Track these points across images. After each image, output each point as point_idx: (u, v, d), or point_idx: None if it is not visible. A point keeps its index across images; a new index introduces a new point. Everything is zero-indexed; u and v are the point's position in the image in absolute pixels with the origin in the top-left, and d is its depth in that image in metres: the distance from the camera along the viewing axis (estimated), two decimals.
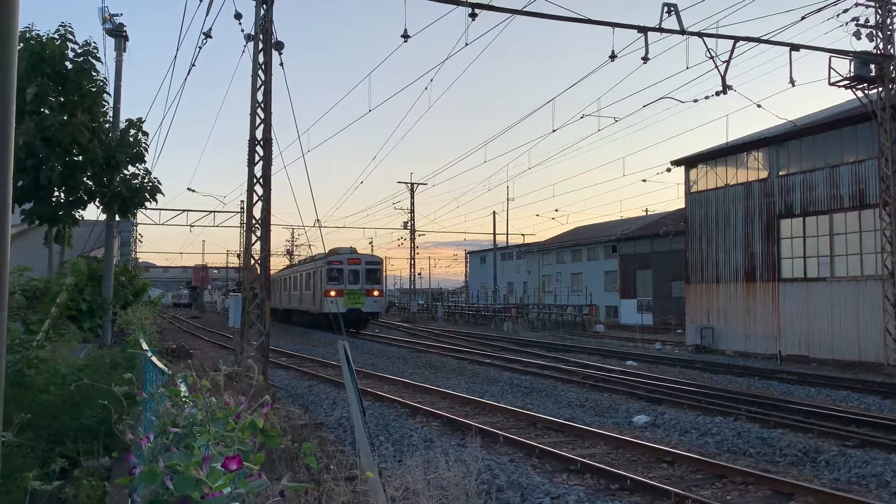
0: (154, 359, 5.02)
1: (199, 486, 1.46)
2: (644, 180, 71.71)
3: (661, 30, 17.28)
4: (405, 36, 16.60)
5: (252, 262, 16.66)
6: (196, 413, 1.92)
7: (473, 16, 16.12)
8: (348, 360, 6.70)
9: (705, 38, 17.88)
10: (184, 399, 2.15)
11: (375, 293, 36.60)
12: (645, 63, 17.39)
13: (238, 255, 62.62)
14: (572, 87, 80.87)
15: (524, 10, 16.39)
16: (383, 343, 29.56)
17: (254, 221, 16.28)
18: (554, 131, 42.54)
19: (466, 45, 16.61)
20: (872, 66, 20.51)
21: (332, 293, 34.44)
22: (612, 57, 17.57)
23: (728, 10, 65.69)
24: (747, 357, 24.40)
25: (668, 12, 17.37)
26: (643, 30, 17.21)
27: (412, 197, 49.27)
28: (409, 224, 51.20)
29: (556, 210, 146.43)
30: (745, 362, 22.79)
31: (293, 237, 73.61)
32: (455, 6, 16.30)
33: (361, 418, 6.65)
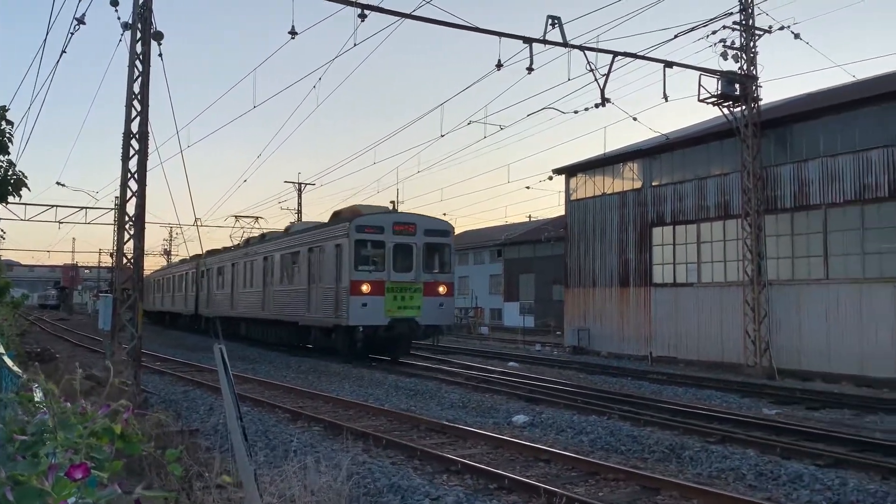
0: (7, 361, 4.67)
1: (42, 497, 1.37)
2: (528, 187, 73.90)
3: (545, 42, 17.80)
4: (293, 33, 16.32)
5: (125, 261, 15.85)
6: (47, 419, 1.80)
7: (363, 16, 16.04)
8: (225, 365, 6.48)
9: (586, 52, 18.57)
10: (37, 405, 2.02)
11: (442, 289, 21.96)
12: (530, 73, 17.85)
13: (111, 254, 59.55)
14: (460, 93, 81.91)
15: (413, 13, 16.48)
16: (261, 348, 28.87)
17: (127, 219, 15.50)
18: (442, 136, 43.05)
19: (355, 45, 16.49)
20: (737, 86, 21.94)
21: (366, 289, 20.46)
22: (499, 66, 17.93)
23: (608, 25, 68.62)
24: (621, 358, 25.50)
25: (553, 25, 17.92)
26: (528, 41, 17.67)
27: (299, 197, 48.32)
28: (262, 235, 50.45)
29: (445, 214, 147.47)
30: (619, 363, 23.81)
31: (171, 236, 70.59)
32: (344, 6, 16.17)
33: (238, 424, 6.45)
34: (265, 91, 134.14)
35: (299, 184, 47.78)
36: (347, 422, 11.93)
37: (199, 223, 39.12)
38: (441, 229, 22.57)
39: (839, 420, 13.46)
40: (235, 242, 39.87)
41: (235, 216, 44.34)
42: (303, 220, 45.27)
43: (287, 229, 28.04)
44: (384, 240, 21.31)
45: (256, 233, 39.36)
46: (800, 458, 9.48)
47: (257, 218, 44.85)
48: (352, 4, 15.99)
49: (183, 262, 45.63)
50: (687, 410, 13.53)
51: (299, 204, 48.58)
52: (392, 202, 23.37)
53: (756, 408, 14.80)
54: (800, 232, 21.74)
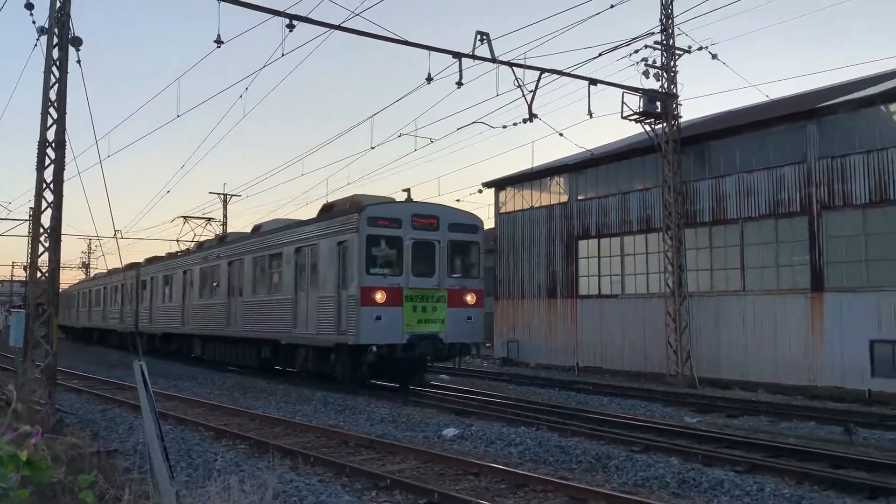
0: None
1: None
2: (458, 200, 74.31)
3: (473, 57, 17.98)
4: (218, 41, 15.99)
5: (39, 274, 15.17)
6: None
7: (291, 27, 15.87)
8: (145, 382, 6.27)
9: (514, 68, 18.85)
10: None
11: (469, 298, 18.03)
12: (459, 87, 17.99)
13: (25, 268, 56.78)
14: (391, 105, 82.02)
15: (342, 25, 16.42)
16: (189, 365, 28.05)
17: (42, 230, 14.85)
18: (373, 148, 42.91)
19: (283, 55, 16.30)
20: (658, 104, 22.67)
21: (380, 297, 16.71)
22: (429, 79, 18.01)
23: (536, 42, 70.11)
24: (549, 369, 25.86)
25: (482, 40, 18.12)
26: (457, 55, 17.82)
27: (225, 208, 47.32)
28: (221, 237, 49.11)
29: None
30: (547, 374, 24.14)
31: (90, 249, 68.03)
32: (272, 15, 15.98)
33: (159, 443, 6.23)
34: (190, 100, 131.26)
35: (225, 195, 46.84)
36: (274, 439, 11.69)
37: (118, 235, 37.54)
38: (469, 224, 18.63)
39: (756, 427, 13.95)
40: (185, 247, 34.70)
41: (184, 217, 37.91)
42: (228, 231, 44.08)
43: (256, 228, 24.35)
44: (401, 235, 17.29)
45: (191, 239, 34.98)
46: (720, 465, 9.77)
47: (209, 219, 38.53)
48: (280, 14, 15.81)
49: (115, 271, 39.31)
50: (613, 420, 13.80)
51: (224, 216, 47.59)
52: (406, 190, 19.36)
53: (678, 416, 15.21)
54: (718, 245, 22.56)
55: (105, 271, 42.76)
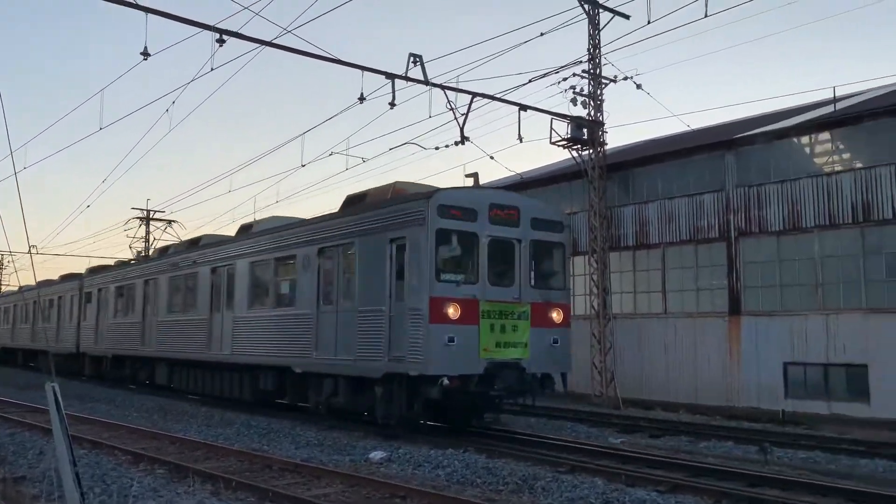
0: None
1: None
2: None
3: (406, 78, 18.07)
4: (145, 54, 15.61)
5: None
6: None
7: (221, 41, 15.61)
8: (58, 404, 6.00)
9: (447, 91, 19.03)
10: None
11: (556, 316, 14.58)
12: (392, 108, 18.02)
13: None
14: (322, 123, 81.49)
15: (273, 42, 16.27)
16: (107, 387, 26.97)
17: None
18: (303, 166, 42.36)
19: (213, 69, 16.03)
20: (585, 130, 23.26)
21: (453, 312, 13.05)
22: (362, 99, 18.00)
23: (468, 66, 70.97)
24: None
25: (415, 62, 18.24)
26: (390, 76, 17.87)
27: (147, 225, 45.96)
28: (144, 254, 47.57)
29: None
30: None
31: (1, 265, 64.94)
32: (202, 29, 15.70)
33: (71, 468, 5.97)
34: (113, 113, 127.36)
35: (148, 211, 45.49)
36: (194, 463, 11.31)
37: (33, 251, 35.57)
38: (553, 220, 15.03)
39: (677, 447, 14.31)
40: (144, 253, 30.69)
41: (140, 218, 33.63)
42: (149, 249, 42.56)
43: (245, 228, 20.66)
44: (477, 231, 13.61)
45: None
46: (643, 485, 9.96)
47: (170, 221, 34.79)
48: (210, 28, 15.56)
49: (47, 283, 35.07)
50: (540, 441, 13.91)
51: (147, 232, 46.23)
52: (473, 175, 16.25)
53: (603, 437, 15.47)
54: (641, 268, 23.21)
55: (34, 284, 37.62)
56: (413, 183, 16.32)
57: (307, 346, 15.83)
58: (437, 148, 22.27)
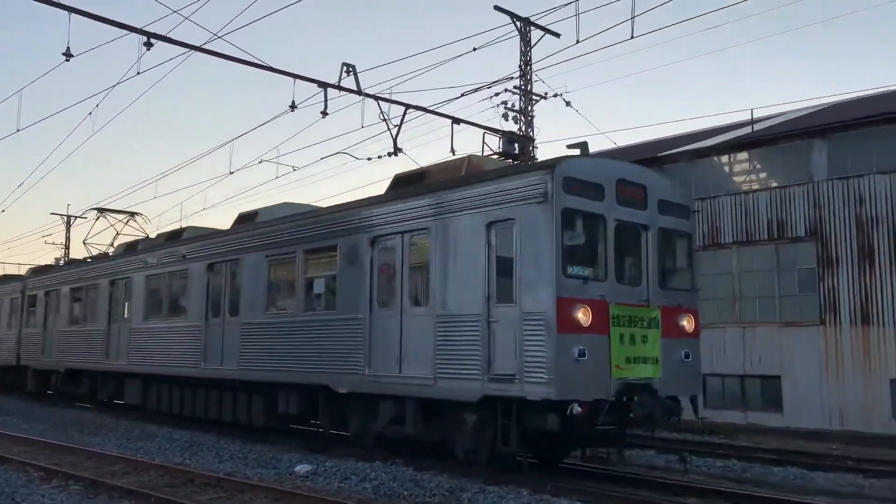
0: None
1: None
2: None
3: (339, 87, 18.01)
4: (67, 55, 15.11)
5: None
6: None
7: (149, 45, 15.26)
8: None
9: (380, 102, 19.06)
10: None
11: (687, 324, 11.36)
12: (324, 117, 17.93)
13: None
14: (252, 131, 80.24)
15: (202, 46, 15.99)
16: (20, 399, 25.80)
17: None
18: (231, 173, 41.48)
19: (139, 73, 15.65)
20: (516, 145, 23.60)
21: (583, 318, 9.83)
22: (293, 107, 17.85)
23: (401, 77, 71.18)
24: None
25: (348, 72, 18.20)
26: (323, 85, 17.78)
27: (68, 230, 44.32)
28: (63, 261, 45.82)
29: None
30: None
31: None
32: (128, 31, 15.31)
33: None
34: (32, 115, 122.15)
35: (68, 216, 43.87)
36: (111, 478, 10.94)
37: None
38: (681, 203, 11.93)
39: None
40: (102, 250, 25.96)
41: (99, 209, 28.81)
42: (70, 256, 40.88)
43: (247, 217, 17.21)
44: (604, 213, 10.66)
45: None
46: (568, 496, 10.08)
47: (133, 214, 29.76)
48: (136, 31, 15.18)
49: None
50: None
51: (67, 238, 44.60)
52: (581, 144, 12.75)
53: None
54: None
55: None
56: (485, 157, 13.66)
57: (356, 362, 12.74)
58: (369, 158, 22.30)
